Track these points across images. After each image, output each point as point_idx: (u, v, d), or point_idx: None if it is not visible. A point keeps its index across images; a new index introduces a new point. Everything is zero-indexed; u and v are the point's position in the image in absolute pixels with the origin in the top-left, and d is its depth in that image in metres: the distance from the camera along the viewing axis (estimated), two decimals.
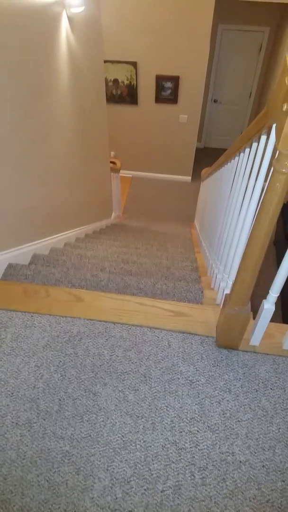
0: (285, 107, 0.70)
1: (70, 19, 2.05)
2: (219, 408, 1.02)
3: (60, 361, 1.14)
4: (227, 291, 1.22)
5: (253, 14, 5.40)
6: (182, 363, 1.15)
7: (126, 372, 1.11)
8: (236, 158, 1.58)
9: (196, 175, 5.75)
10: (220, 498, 0.83)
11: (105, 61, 3.11)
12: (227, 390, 1.07)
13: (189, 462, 0.89)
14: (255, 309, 1.15)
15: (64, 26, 2.00)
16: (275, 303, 1.06)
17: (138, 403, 1.02)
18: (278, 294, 1.04)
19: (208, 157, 6.04)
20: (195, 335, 1.25)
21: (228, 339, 1.17)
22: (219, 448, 0.92)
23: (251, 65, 6.01)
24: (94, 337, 1.24)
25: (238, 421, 0.99)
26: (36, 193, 1.94)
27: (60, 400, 1.03)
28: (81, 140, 2.62)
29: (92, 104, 2.77)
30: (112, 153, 5.71)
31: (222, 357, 1.16)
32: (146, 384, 1.08)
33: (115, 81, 4.94)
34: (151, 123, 5.33)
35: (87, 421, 0.98)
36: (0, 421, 0.98)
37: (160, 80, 4.80)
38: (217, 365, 1.14)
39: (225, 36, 5.77)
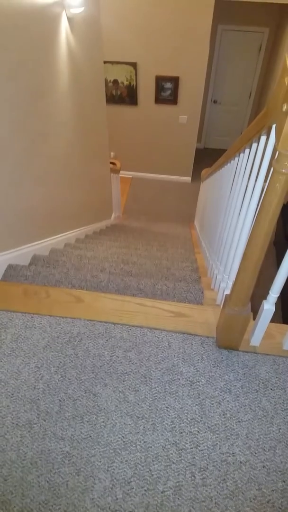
0: (285, 107, 0.71)
1: (70, 19, 2.05)
2: (220, 408, 1.02)
3: (60, 362, 1.14)
4: (227, 292, 1.22)
5: (252, 15, 5.40)
6: (182, 363, 1.15)
7: (126, 372, 1.11)
8: (236, 158, 1.58)
9: (196, 175, 5.75)
10: (220, 498, 0.83)
11: (105, 62, 3.11)
12: (228, 390, 1.07)
13: (190, 462, 0.89)
14: (255, 310, 1.15)
15: (64, 26, 2.00)
16: (275, 303, 1.06)
17: (138, 404, 1.02)
18: (278, 295, 1.04)
19: (208, 157, 6.04)
20: (195, 335, 1.25)
21: (228, 339, 1.17)
22: (220, 448, 0.92)
23: (251, 66, 6.01)
24: (94, 338, 1.24)
25: (239, 421, 0.99)
26: (36, 193, 1.94)
27: (60, 401, 1.03)
28: (81, 140, 2.62)
29: (92, 105, 2.77)
30: (112, 153, 5.71)
31: (222, 358, 1.16)
32: (147, 385, 1.08)
33: (115, 81, 4.94)
34: (151, 123, 5.33)
35: (88, 422, 0.98)
36: (1, 422, 0.98)
37: (160, 81, 4.81)
38: (218, 365, 1.14)
39: (224, 37, 5.77)
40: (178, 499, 0.83)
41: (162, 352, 1.19)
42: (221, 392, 1.06)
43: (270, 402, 1.03)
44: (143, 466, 0.88)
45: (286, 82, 0.71)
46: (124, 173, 5.91)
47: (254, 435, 0.95)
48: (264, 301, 1.07)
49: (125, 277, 1.71)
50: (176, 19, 4.22)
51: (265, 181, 0.98)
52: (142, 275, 1.90)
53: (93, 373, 1.11)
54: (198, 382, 1.09)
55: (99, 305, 1.39)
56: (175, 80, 4.76)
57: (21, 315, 1.32)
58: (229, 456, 0.91)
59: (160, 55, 4.57)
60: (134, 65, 4.71)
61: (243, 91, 6.34)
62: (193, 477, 0.87)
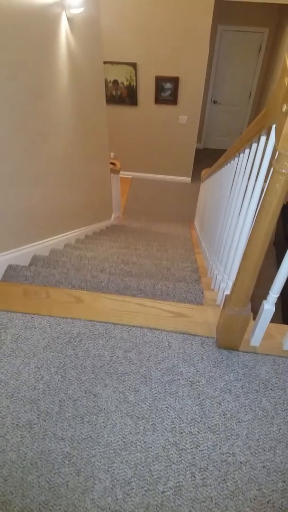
0: (285, 107, 0.71)
1: (69, 20, 2.05)
2: (220, 409, 1.02)
3: (61, 362, 1.14)
4: (227, 292, 1.22)
5: (252, 15, 5.41)
6: (182, 364, 1.15)
7: (126, 373, 1.11)
8: (236, 159, 1.58)
9: (196, 176, 5.75)
10: (221, 499, 0.83)
11: (104, 62, 3.11)
12: (228, 391, 1.07)
13: (190, 463, 0.89)
14: (255, 310, 1.15)
15: (64, 27, 2.00)
16: (275, 303, 1.06)
17: (138, 404, 1.02)
18: (278, 295, 1.04)
19: (207, 158, 6.05)
20: (195, 336, 1.25)
21: (229, 340, 1.17)
22: (220, 449, 0.92)
23: (251, 66, 6.01)
24: (95, 338, 1.24)
25: (239, 421, 0.99)
26: (36, 193, 1.94)
27: (60, 401, 1.03)
28: (81, 141, 2.62)
29: (92, 105, 2.77)
30: (112, 154, 5.71)
31: (222, 358, 1.16)
32: (147, 385, 1.08)
33: (115, 82, 4.95)
34: (151, 124, 5.33)
35: (88, 422, 0.98)
36: (1, 422, 0.98)
37: (159, 81, 4.81)
38: (218, 366, 1.14)
39: (224, 37, 5.77)
40: (178, 499, 0.83)
41: (162, 352, 1.19)
42: (221, 392, 1.06)
43: (270, 402, 1.03)
44: (143, 467, 0.88)
45: (286, 82, 0.71)
46: (124, 174, 5.92)
47: (254, 435, 0.95)
48: (264, 301, 1.07)
49: (125, 278, 1.71)
50: (176, 20, 4.22)
51: (265, 181, 0.98)
52: (142, 275, 1.90)
53: (93, 373, 1.11)
54: (198, 382, 1.09)
55: (99, 305, 1.39)
56: (175, 81, 4.76)
57: (21, 316, 1.32)
58: (229, 456, 0.91)
59: (160, 56, 4.57)
60: (134, 65, 4.71)
61: (243, 92, 6.35)
62: (193, 478, 0.87)
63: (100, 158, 3.28)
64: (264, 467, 0.89)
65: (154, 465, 0.89)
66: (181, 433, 0.96)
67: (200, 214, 3.75)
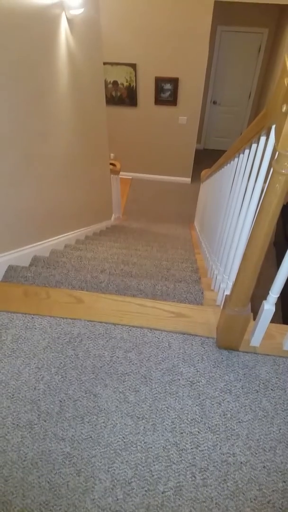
0: (285, 108, 0.71)
1: (69, 21, 2.05)
2: (220, 409, 1.02)
3: (61, 363, 1.15)
4: (227, 292, 1.22)
5: (252, 16, 5.41)
6: (182, 364, 1.15)
7: (126, 373, 1.11)
8: (236, 159, 1.58)
9: (196, 176, 5.75)
10: (221, 499, 0.83)
11: (104, 63, 3.12)
12: (228, 391, 1.07)
13: (190, 463, 0.89)
14: (255, 310, 1.15)
15: (64, 27, 2.00)
16: (275, 304, 1.06)
17: (138, 404, 1.02)
18: (278, 295, 1.04)
19: (207, 158, 6.05)
20: (195, 336, 1.25)
21: (229, 340, 1.17)
22: (220, 449, 0.92)
23: (250, 67, 6.02)
24: (95, 338, 1.24)
25: (239, 422, 0.99)
26: (36, 194, 1.94)
27: (60, 401, 1.03)
28: (81, 141, 2.62)
29: (91, 106, 2.77)
30: (112, 154, 5.72)
31: (222, 358, 1.17)
32: (147, 385, 1.08)
33: (115, 83, 4.95)
34: (151, 124, 5.34)
35: (88, 422, 0.98)
36: (1, 422, 0.98)
37: (159, 82, 4.81)
38: (218, 366, 1.14)
39: (224, 38, 5.78)
40: (179, 499, 0.83)
41: (163, 352, 1.19)
42: (221, 393, 1.06)
43: (271, 403, 1.04)
44: (143, 467, 0.88)
45: (285, 83, 0.72)
46: (124, 174, 5.92)
47: (255, 435, 0.95)
48: (264, 301, 1.07)
49: (125, 278, 1.71)
50: (176, 20, 4.23)
51: (264, 181, 0.98)
52: (142, 275, 1.90)
53: (93, 373, 1.11)
54: (199, 382, 1.09)
55: (99, 305, 1.39)
56: (174, 81, 4.76)
57: (22, 316, 1.32)
58: (229, 456, 0.91)
59: (160, 56, 4.57)
60: (133, 66, 4.72)
61: (243, 92, 6.35)
62: (193, 478, 0.87)
63: (100, 158, 3.28)
64: (264, 467, 0.89)
65: (154, 465, 0.89)
66: (182, 433, 0.96)
67: (200, 215, 3.75)
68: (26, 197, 1.83)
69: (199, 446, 0.93)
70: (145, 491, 0.84)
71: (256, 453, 0.91)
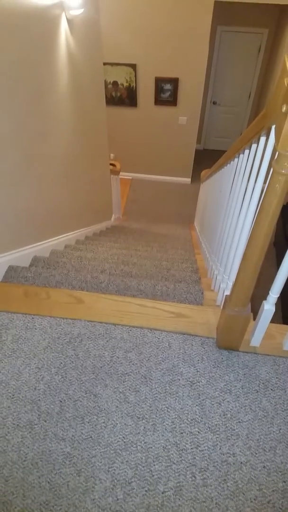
0: (284, 108, 0.71)
1: (69, 21, 2.06)
2: (220, 409, 1.02)
3: (61, 363, 1.15)
4: (227, 292, 1.22)
5: (251, 16, 5.42)
6: (182, 364, 1.15)
7: (126, 373, 1.11)
8: (236, 159, 1.58)
9: (196, 176, 5.76)
10: (221, 499, 0.83)
11: (104, 63, 3.12)
12: (228, 391, 1.07)
13: (190, 463, 0.89)
14: (255, 310, 1.15)
15: (64, 28, 2.00)
16: (275, 304, 1.06)
17: (138, 404, 1.02)
18: (278, 295, 1.04)
19: (207, 158, 6.05)
20: (195, 336, 1.25)
21: (229, 340, 1.17)
22: (220, 449, 0.92)
23: (250, 67, 6.02)
24: (95, 338, 1.24)
25: (239, 422, 0.99)
26: (36, 194, 1.94)
27: (61, 401, 1.03)
28: (81, 141, 2.63)
29: (91, 106, 2.77)
30: (112, 155, 5.72)
31: (222, 358, 1.17)
32: (147, 386, 1.08)
33: (115, 83, 4.95)
34: (151, 125, 5.34)
35: (88, 422, 0.98)
36: (1, 423, 0.98)
37: (159, 82, 4.82)
38: (218, 366, 1.14)
39: (224, 38, 5.78)
40: (179, 499, 0.83)
41: (163, 352, 1.19)
42: (221, 393, 1.06)
43: (271, 403, 1.04)
44: (143, 467, 0.89)
45: (285, 83, 0.72)
46: (124, 175, 5.92)
47: (255, 435, 0.95)
48: (264, 301, 1.07)
49: (125, 278, 1.71)
50: (176, 21, 4.23)
51: (264, 182, 0.98)
52: (142, 276, 1.91)
53: (93, 373, 1.11)
54: (199, 382, 1.09)
55: (99, 306, 1.39)
56: (174, 82, 4.77)
57: (22, 316, 1.32)
58: (229, 456, 0.91)
59: (160, 57, 4.58)
60: (133, 66, 4.72)
61: (243, 92, 6.36)
62: (193, 478, 0.87)
63: (100, 159, 3.28)
64: (264, 467, 0.89)
65: (154, 465, 0.89)
66: (182, 433, 0.96)
67: (200, 215, 3.75)
68: (26, 197, 1.83)
69: (199, 446, 0.93)
70: (145, 491, 0.84)
71: (256, 453, 0.91)
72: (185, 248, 3.07)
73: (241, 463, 0.90)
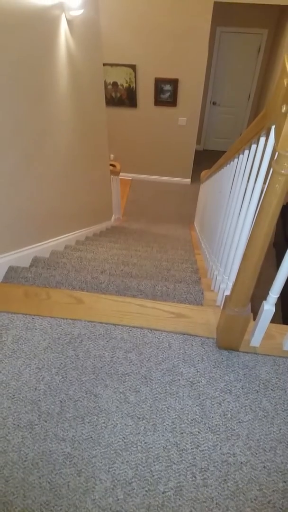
0: (284, 108, 0.71)
1: (69, 22, 2.06)
2: (220, 409, 1.02)
3: (61, 363, 1.15)
4: (227, 293, 1.22)
5: (251, 16, 5.42)
6: (182, 364, 1.15)
7: (127, 373, 1.11)
8: (235, 160, 1.58)
9: (196, 177, 5.76)
10: (221, 499, 0.83)
11: (104, 64, 3.12)
12: (228, 391, 1.07)
13: (190, 463, 0.90)
14: (255, 311, 1.15)
15: (64, 29, 2.01)
16: (275, 304, 1.07)
17: (139, 405, 1.02)
18: (278, 295, 1.04)
19: (207, 159, 6.05)
20: (195, 336, 1.25)
21: (229, 340, 1.17)
22: (220, 449, 0.92)
23: (250, 67, 6.03)
24: (95, 339, 1.24)
25: (239, 422, 0.99)
26: (36, 194, 1.94)
27: (61, 402, 1.03)
28: (81, 142, 2.63)
29: (91, 106, 2.78)
30: (112, 155, 5.72)
31: (222, 358, 1.17)
32: (147, 386, 1.08)
33: (114, 84, 4.96)
34: (151, 125, 5.34)
35: (88, 422, 0.98)
36: (2, 423, 0.98)
37: (159, 83, 4.82)
38: (218, 366, 1.14)
39: (223, 39, 5.79)
40: (179, 499, 0.83)
41: (163, 353, 1.19)
42: (221, 393, 1.06)
43: (271, 403, 1.04)
44: (144, 467, 0.89)
45: (285, 83, 0.72)
46: (124, 175, 5.93)
47: (255, 435, 0.96)
48: (264, 301, 1.07)
49: (125, 279, 1.71)
50: (175, 21, 4.23)
51: (264, 182, 0.98)
52: (142, 276, 1.91)
53: (93, 374, 1.11)
54: (199, 382, 1.09)
55: (99, 306, 1.39)
56: (174, 82, 4.77)
57: (22, 317, 1.33)
58: (229, 456, 0.91)
59: (160, 57, 4.58)
60: (133, 67, 4.73)
61: (242, 93, 6.36)
62: (194, 478, 0.87)
63: (100, 159, 3.29)
64: (264, 467, 0.89)
65: (155, 465, 0.89)
66: (182, 433, 0.96)
67: (200, 215, 3.75)
68: (26, 197, 1.83)
69: (200, 446, 0.93)
70: (146, 491, 0.84)
71: (256, 453, 0.92)
72: (185, 248, 3.07)
73: (242, 463, 0.90)
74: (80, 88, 2.43)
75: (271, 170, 0.80)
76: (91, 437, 0.94)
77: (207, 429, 0.97)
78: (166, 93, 4.90)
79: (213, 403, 1.03)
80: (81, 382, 1.08)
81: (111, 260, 2.21)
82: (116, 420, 0.98)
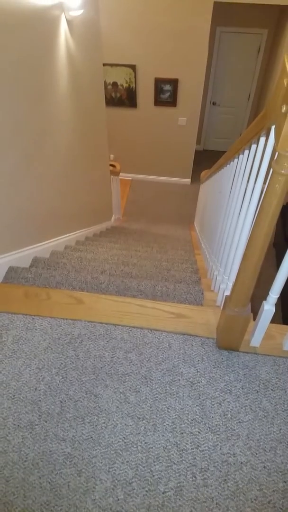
0: (284, 108, 0.71)
1: (69, 22, 2.06)
2: (220, 409, 1.02)
3: (61, 363, 1.15)
4: (227, 293, 1.22)
5: (251, 16, 5.43)
6: (182, 364, 1.15)
7: (127, 374, 1.12)
8: (235, 160, 1.59)
9: (196, 177, 5.76)
10: (221, 499, 0.83)
11: (104, 64, 3.12)
12: (228, 391, 1.07)
13: (191, 463, 0.90)
14: (255, 311, 1.15)
15: (63, 29, 2.01)
16: (275, 304, 1.07)
17: (139, 405, 1.02)
18: (278, 296, 1.04)
19: (207, 159, 6.05)
20: (195, 336, 1.25)
21: (229, 340, 1.17)
22: (220, 449, 0.92)
23: (250, 67, 6.03)
24: (95, 339, 1.24)
25: (239, 422, 0.99)
26: (36, 194, 1.94)
27: (61, 402, 1.03)
28: (81, 142, 2.63)
29: (91, 107, 2.78)
30: (112, 156, 5.72)
31: (222, 359, 1.17)
32: (147, 386, 1.08)
33: (114, 84, 4.96)
34: (150, 125, 5.34)
35: (89, 423, 0.98)
36: (2, 423, 0.98)
37: (159, 83, 4.82)
38: (218, 366, 1.14)
39: (223, 39, 5.79)
40: (179, 499, 0.83)
41: (163, 353, 1.19)
42: (221, 393, 1.06)
43: (271, 403, 1.04)
44: (144, 467, 0.89)
45: (285, 83, 0.72)
46: (124, 175, 5.93)
47: (255, 435, 0.96)
48: (264, 302, 1.07)
49: (125, 279, 1.71)
50: (175, 21, 4.23)
51: (264, 182, 0.98)
52: (142, 276, 1.91)
53: (94, 374, 1.11)
54: (199, 383, 1.09)
55: (99, 306, 1.39)
56: (174, 82, 4.77)
57: (22, 317, 1.33)
58: (230, 456, 0.91)
59: (159, 57, 4.58)
60: (133, 67, 4.73)
61: (242, 93, 6.36)
62: (194, 478, 0.87)
63: (99, 159, 3.29)
64: (264, 467, 0.89)
65: (155, 465, 0.89)
66: (182, 433, 0.96)
67: (200, 216, 3.76)
68: (26, 197, 1.83)
69: (200, 446, 0.93)
70: (146, 491, 0.84)
71: (256, 453, 0.92)
72: (185, 248, 3.07)
73: (242, 463, 0.90)
74: (80, 88, 2.43)
75: (271, 170, 0.80)
76: (91, 437, 0.94)
77: (207, 429, 0.97)
78: (166, 93, 4.90)
79: (213, 403, 1.03)
80: (81, 382, 1.09)
81: (111, 261, 2.21)
82: (116, 420, 0.98)
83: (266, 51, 5.77)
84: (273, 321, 1.13)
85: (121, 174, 4.29)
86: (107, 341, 1.23)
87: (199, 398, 1.05)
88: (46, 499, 0.83)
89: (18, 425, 0.97)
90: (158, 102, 5.02)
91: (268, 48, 5.73)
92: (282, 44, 4.86)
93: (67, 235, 2.61)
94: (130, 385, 1.08)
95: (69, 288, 1.66)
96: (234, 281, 1.06)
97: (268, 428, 0.97)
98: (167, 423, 0.98)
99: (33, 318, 1.32)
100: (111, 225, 4.18)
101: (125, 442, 0.93)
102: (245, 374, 1.12)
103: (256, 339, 1.18)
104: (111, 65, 4.73)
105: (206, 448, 0.93)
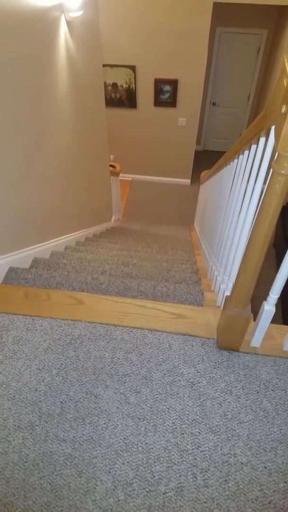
0: (284, 109, 0.71)
1: (69, 23, 2.06)
2: (221, 409, 1.02)
3: (62, 364, 1.15)
4: (228, 293, 1.22)
5: (251, 17, 5.43)
6: (183, 365, 1.15)
7: (127, 374, 1.11)
8: (235, 160, 1.59)
9: (196, 177, 5.76)
10: (222, 499, 0.83)
11: (104, 65, 3.12)
12: (228, 391, 1.07)
13: (191, 463, 0.89)
14: (256, 311, 1.15)
15: (63, 30, 2.01)
16: (275, 304, 1.07)
17: (139, 405, 1.02)
18: (278, 296, 1.04)
19: (207, 160, 6.05)
20: (195, 337, 1.25)
21: (229, 340, 1.17)
22: (221, 449, 0.92)
23: (250, 68, 6.03)
24: (95, 339, 1.24)
25: (240, 422, 0.99)
26: (36, 194, 1.94)
27: (62, 402, 1.03)
28: (81, 142, 2.63)
29: (91, 107, 2.78)
30: (112, 156, 5.72)
31: (223, 359, 1.17)
32: (148, 386, 1.08)
33: (114, 85, 4.96)
34: (150, 126, 5.35)
35: (89, 423, 0.98)
36: (2, 424, 0.98)
37: (158, 84, 4.82)
38: (218, 366, 1.14)
39: (223, 39, 5.80)
40: (180, 500, 0.83)
41: (163, 353, 1.19)
42: (222, 393, 1.06)
43: (271, 403, 1.04)
44: (144, 468, 0.89)
45: (284, 84, 0.72)
46: (123, 176, 5.93)
47: (255, 436, 0.95)
48: (264, 302, 1.07)
49: (125, 279, 1.71)
50: (175, 22, 4.24)
51: (264, 182, 0.98)
52: (142, 277, 1.91)
53: (94, 375, 1.11)
54: (199, 383, 1.09)
55: (99, 307, 1.39)
56: (174, 83, 4.77)
57: (22, 318, 1.33)
58: (230, 457, 0.91)
59: (159, 58, 4.59)
60: (133, 68, 4.73)
61: (242, 93, 6.37)
62: (194, 478, 0.87)
63: (99, 159, 3.29)
64: (265, 467, 0.89)
65: (155, 466, 0.89)
66: (182, 434, 0.96)
67: (200, 216, 3.76)
68: (26, 197, 1.83)
69: (200, 447, 0.93)
70: (146, 492, 0.84)
71: (257, 454, 0.92)
72: (185, 249, 3.07)
73: (242, 463, 0.90)
74: (80, 89, 2.43)
75: (271, 170, 0.80)
76: (92, 438, 0.94)
77: (207, 430, 0.97)
78: (166, 93, 4.90)
79: (213, 403, 1.03)
80: (82, 383, 1.08)
81: (111, 261, 2.21)
82: (117, 421, 0.98)
83: (266, 51, 5.77)
84: (273, 321, 1.13)
85: (121, 174, 4.30)
86: (107, 342, 1.23)
87: (200, 398, 1.05)
88: (47, 500, 0.83)
89: (19, 426, 0.97)
90: (158, 102, 5.02)
91: (267, 48, 5.74)
92: (281, 44, 4.86)
93: (67, 235, 2.61)
94: (130, 385, 1.08)
95: (69, 288, 1.66)
96: (234, 281, 1.06)
97: (269, 429, 0.97)
98: (168, 423, 0.98)
99: (33, 319, 1.32)
100: (111, 226, 4.18)
101: (125, 443, 0.93)
102: (245, 375, 1.12)
103: (257, 340, 1.18)
104: (111, 66, 4.74)
105: (207, 448, 0.93)
